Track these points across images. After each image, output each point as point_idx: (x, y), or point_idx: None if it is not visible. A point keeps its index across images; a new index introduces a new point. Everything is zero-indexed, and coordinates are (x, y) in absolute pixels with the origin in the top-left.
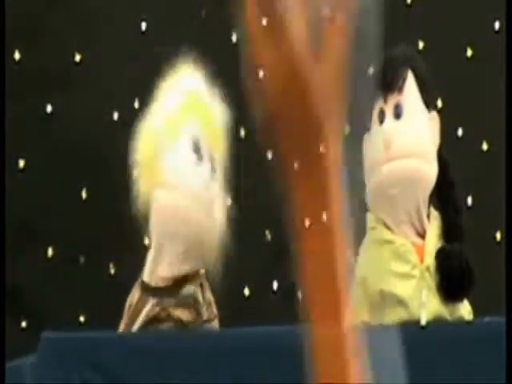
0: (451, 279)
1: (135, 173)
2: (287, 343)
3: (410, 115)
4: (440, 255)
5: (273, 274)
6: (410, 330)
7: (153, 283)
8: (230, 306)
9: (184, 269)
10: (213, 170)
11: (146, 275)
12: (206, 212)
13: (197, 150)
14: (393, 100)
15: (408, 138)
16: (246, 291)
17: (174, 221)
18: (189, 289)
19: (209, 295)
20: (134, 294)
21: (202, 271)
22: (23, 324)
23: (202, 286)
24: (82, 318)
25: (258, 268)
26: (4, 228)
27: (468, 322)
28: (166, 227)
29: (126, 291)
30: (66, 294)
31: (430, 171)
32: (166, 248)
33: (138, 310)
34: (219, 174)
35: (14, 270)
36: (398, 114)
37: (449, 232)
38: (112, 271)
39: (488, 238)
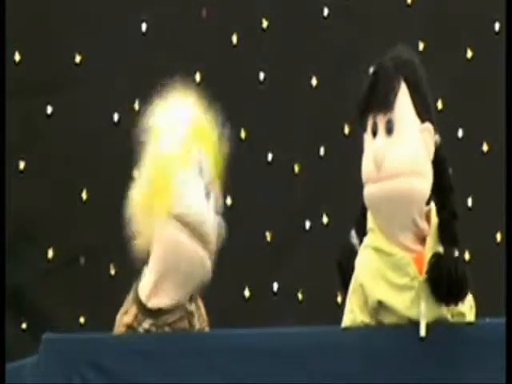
0: (440, 287)
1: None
2: (287, 344)
3: (401, 130)
4: (430, 262)
5: (273, 275)
6: (410, 331)
7: (149, 305)
8: (230, 307)
9: (181, 294)
10: (207, 195)
11: (144, 296)
12: (208, 249)
13: (201, 175)
14: (384, 117)
15: (399, 157)
16: (246, 292)
17: (179, 257)
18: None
19: (200, 304)
20: (129, 313)
21: None
22: (23, 325)
23: (191, 296)
24: (82, 319)
25: (258, 269)
26: (4, 229)
27: (469, 324)
28: (169, 262)
29: (126, 292)
30: (66, 295)
31: (422, 185)
32: (168, 278)
33: (132, 330)
34: (214, 200)
35: (15, 271)
36: (389, 129)
37: (444, 237)
38: (112, 272)
39: (488, 238)
